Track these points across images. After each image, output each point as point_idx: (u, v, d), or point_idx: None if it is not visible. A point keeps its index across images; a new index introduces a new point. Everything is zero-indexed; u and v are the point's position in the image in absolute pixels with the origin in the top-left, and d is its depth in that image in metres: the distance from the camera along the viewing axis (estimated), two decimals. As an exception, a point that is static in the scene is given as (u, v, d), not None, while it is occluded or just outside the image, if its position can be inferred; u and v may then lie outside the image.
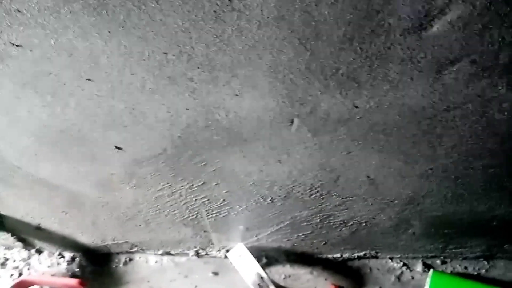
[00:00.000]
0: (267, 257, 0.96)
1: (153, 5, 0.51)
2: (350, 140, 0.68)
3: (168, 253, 1.03)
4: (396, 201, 0.80)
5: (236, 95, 0.62)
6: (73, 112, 0.67)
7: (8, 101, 0.67)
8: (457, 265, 0.94)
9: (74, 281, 0.92)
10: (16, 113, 0.69)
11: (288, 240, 0.94)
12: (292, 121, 0.66)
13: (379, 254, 0.96)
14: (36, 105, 0.66)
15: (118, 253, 1.05)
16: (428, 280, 0.89)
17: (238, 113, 0.65)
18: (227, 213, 0.87)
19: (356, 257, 0.96)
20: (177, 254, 1.03)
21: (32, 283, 0.92)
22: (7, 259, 1.06)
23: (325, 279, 0.95)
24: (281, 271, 0.97)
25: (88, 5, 0.52)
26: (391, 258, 0.96)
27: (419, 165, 0.73)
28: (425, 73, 0.57)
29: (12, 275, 1.03)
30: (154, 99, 0.64)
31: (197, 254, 1.02)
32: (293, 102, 0.63)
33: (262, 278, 0.88)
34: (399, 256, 0.95)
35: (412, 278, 0.93)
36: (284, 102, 0.63)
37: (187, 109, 0.65)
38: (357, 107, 0.63)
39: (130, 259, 1.04)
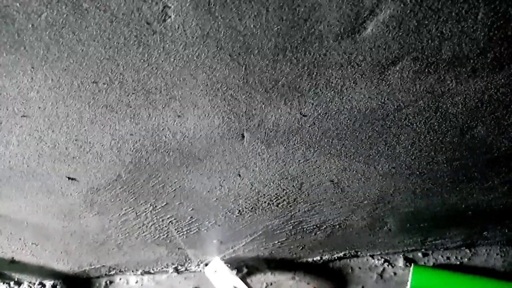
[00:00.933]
0: (247, 267, 0.95)
1: (70, 36, 0.49)
2: (305, 148, 0.66)
3: (148, 272, 1.01)
4: (365, 202, 0.78)
5: (179, 116, 0.60)
6: (17, 149, 0.65)
7: None
8: (439, 256, 0.92)
9: None
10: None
11: (265, 248, 0.92)
12: (242, 135, 0.63)
13: (359, 252, 0.94)
14: (-24, 146, 0.64)
15: (97, 277, 1.04)
16: (410, 275, 0.87)
17: (185, 133, 0.63)
18: (197, 229, 0.85)
19: (336, 258, 0.95)
20: (157, 272, 1.01)
21: None
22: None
23: (308, 283, 0.93)
24: (262, 279, 0.95)
25: (4, 43, 0.49)
26: (371, 256, 0.94)
27: (381, 165, 0.70)
28: (368, 76, 0.55)
29: (-7, 309, 1.01)
30: (96, 128, 0.61)
31: (177, 270, 1.00)
32: (239, 117, 0.60)
33: (239, 291, 0.87)
34: (379, 253, 0.93)
35: (395, 274, 0.91)
36: (230, 118, 0.60)
37: (131, 134, 0.62)
38: (305, 115, 0.61)
39: (111, 282, 1.02)
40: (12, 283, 1.04)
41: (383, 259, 0.93)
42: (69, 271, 1.01)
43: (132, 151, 0.65)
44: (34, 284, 1.05)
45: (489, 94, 0.57)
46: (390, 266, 0.92)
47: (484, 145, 0.67)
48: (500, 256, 0.88)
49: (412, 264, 0.89)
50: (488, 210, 0.82)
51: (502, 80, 0.55)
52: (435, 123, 0.62)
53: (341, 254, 0.94)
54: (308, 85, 0.55)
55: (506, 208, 0.81)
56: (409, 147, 0.66)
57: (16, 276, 1.04)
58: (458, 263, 0.90)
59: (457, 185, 0.75)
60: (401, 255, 0.92)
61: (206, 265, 0.96)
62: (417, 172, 0.72)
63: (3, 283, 1.04)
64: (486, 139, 0.65)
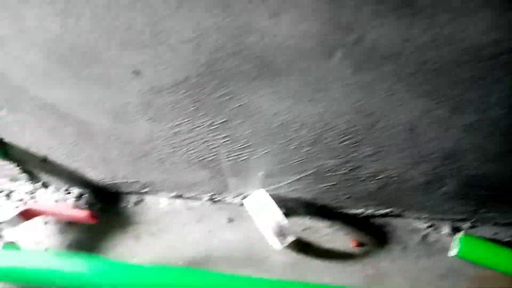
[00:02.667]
0: (286, 208, 0.91)
1: None
2: (396, 79, 0.60)
3: (181, 197, 0.98)
4: (434, 155, 0.73)
5: (274, 15, 0.54)
6: (88, 24, 0.59)
7: (15, 9, 0.60)
8: (487, 231, 0.88)
9: (84, 213, 0.87)
10: (24, 23, 0.62)
11: (309, 191, 0.88)
12: (333, 52, 0.58)
13: (404, 213, 0.90)
14: (47, 13, 0.59)
15: (128, 193, 1.00)
16: (457, 242, 0.84)
17: (274, 38, 0.57)
18: (248, 156, 0.81)
19: (379, 214, 0.91)
20: (191, 198, 0.97)
21: (39, 213, 0.88)
22: (11, 191, 1.02)
23: (345, 234, 0.90)
24: (299, 223, 0.92)
25: None
26: (417, 218, 0.90)
27: (466, 115, 0.65)
28: (498, 1, 0.49)
29: (17, 207, 0.99)
30: (180, 15, 0.56)
31: (212, 199, 0.97)
32: (338, 28, 0.55)
33: (282, 226, 0.83)
34: (425, 217, 0.89)
35: (438, 240, 0.87)
36: (328, 28, 0.55)
37: (216, 28, 0.57)
38: (408, 40, 0.55)
39: (141, 200, 0.99)
40: (39, 184, 1.02)
41: (428, 224, 0.89)
42: (99, 182, 0.98)
43: (211, 50, 0.60)
44: (60, 189, 1.02)
45: None
46: (435, 232, 0.88)
47: None
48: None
49: (462, 232, 0.86)
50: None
51: None
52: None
53: (386, 211, 0.90)
54: (426, 2, 0.50)
55: None
56: (506, 98, 0.61)
57: (44, 177, 1.01)
58: (505, 240, 0.86)
59: (537, 153, 0.70)
60: (447, 223, 0.89)
61: (244, 198, 0.92)
62: (504, 130, 0.66)
63: (30, 182, 1.02)
64: None
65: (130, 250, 0.92)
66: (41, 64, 0.68)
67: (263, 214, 0.85)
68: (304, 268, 0.87)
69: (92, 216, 0.84)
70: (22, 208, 0.86)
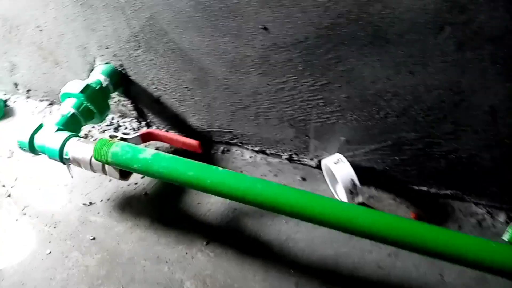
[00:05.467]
0: (356, 176, 1.02)
1: None
2: (490, 62, 0.71)
3: (263, 152, 1.11)
4: (507, 140, 0.82)
5: (401, -13, 0.66)
6: (238, -19, 0.74)
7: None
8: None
9: (194, 142, 1.02)
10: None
11: (383, 162, 0.98)
12: (442, 28, 0.69)
13: (465, 196, 0.98)
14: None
15: (218, 142, 1.14)
16: (509, 229, 0.92)
17: (394, 10, 0.69)
18: (336, 120, 0.93)
19: (442, 194, 1.00)
20: (271, 154, 1.10)
21: (156, 137, 1.03)
22: (120, 126, 1.18)
23: (407, 207, 0.99)
24: (365, 191, 1.03)
25: None
26: (475, 204, 0.99)
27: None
28: None
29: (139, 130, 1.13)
30: (321, -19, 0.69)
31: (290, 158, 1.09)
32: (454, 7, 0.65)
33: (354, 185, 0.94)
34: (484, 203, 0.98)
35: (493, 225, 0.96)
36: (445, 6, 0.66)
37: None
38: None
39: (228, 150, 1.13)
40: (144, 123, 1.17)
41: (486, 210, 0.97)
42: (197, 128, 1.12)
43: (336, 15, 0.73)
44: (161, 130, 1.16)
45: None
46: (491, 218, 0.97)
47: None
48: None
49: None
50: None
51: None
52: None
53: (448, 192, 0.99)
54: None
55: None
56: None
57: (151, 117, 1.16)
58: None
59: None
60: (504, 212, 0.97)
61: (319, 161, 1.04)
62: None
63: (137, 120, 1.17)
64: None
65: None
66: (188, 12, 0.83)
67: (337, 173, 0.96)
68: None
69: (200, 145, 0.99)
70: (144, 130, 1.01)
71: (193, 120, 1.10)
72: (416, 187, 1.01)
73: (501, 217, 0.97)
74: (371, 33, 0.73)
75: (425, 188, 1.01)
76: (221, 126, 1.08)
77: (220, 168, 0.76)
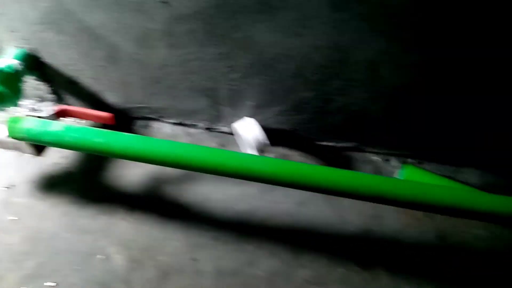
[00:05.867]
0: (269, 139, 1.11)
1: None
2: (362, 19, 0.81)
3: (182, 124, 1.17)
4: (386, 91, 0.94)
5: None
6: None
7: None
8: (431, 167, 1.09)
9: (107, 114, 1.06)
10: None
11: (289, 123, 1.08)
12: (320, -9, 0.79)
13: (362, 147, 1.11)
14: None
15: (137, 118, 1.19)
16: (400, 170, 1.05)
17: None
18: (243, 86, 1.00)
19: (345, 147, 1.12)
20: (190, 125, 1.17)
21: (71, 112, 1.06)
22: (38, 110, 1.19)
23: (315, 163, 1.10)
24: (278, 151, 1.12)
25: None
26: (373, 153, 1.12)
27: (413, 54, 0.86)
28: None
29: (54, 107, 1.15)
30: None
31: (208, 128, 1.16)
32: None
33: (261, 143, 1.03)
34: (380, 151, 1.11)
35: (388, 170, 1.09)
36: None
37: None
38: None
39: (148, 125, 1.18)
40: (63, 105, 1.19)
41: (382, 157, 1.10)
42: (115, 105, 1.16)
43: (227, -15, 0.80)
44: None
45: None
46: (387, 164, 1.10)
47: None
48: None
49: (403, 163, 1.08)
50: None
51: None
52: None
53: (349, 145, 1.11)
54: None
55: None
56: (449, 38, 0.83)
57: (69, 99, 1.18)
58: (446, 175, 1.08)
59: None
60: (395, 157, 1.10)
61: (234, 127, 1.12)
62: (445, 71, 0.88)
63: (55, 104, 1.19)
64: None
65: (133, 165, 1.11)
66: (91, -11, 0.87)
67: (245, 135, 1.04)
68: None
69: (113, 118, 1.04)
70: (58, 107, 1.04)
71: (111, 98, 1.14)
72: (323, 143, 1.12)
73: (396, 163, 1.10)
74: (258, 0, 0.82)
75: (330, 144, 1.12)
76: (137, 101, 1.13)
77: (127, 134, 0.82)
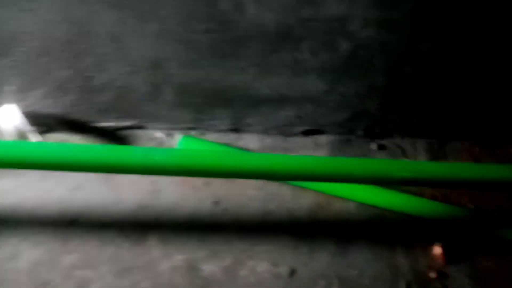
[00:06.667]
0: (43, 125, 1.04)
1: None
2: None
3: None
4: (144, 64, 0.94)
5: None
6: None
7: None
8: (211, 137, 1.12)
9: None
10: None
11: (60, 105, 1.02)
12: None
13: (145, 125, 1.10)
14: None
15: None
16: (179, 141, 1.07)
17: None
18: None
19: (125, 126, 1.10)
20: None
21: None
22: None
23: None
24: (55, 137, 1.06)
25: None
26: (155, 129, 1.11)
27: (152, 25, 0.86)
28: None
29: None
30: None
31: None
32: None
33: (22, 130, 0.96)
34: (161, 127, 1.11)
35: (171, 144, 1.10)
36: None
37: None
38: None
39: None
40: None
41: (166, 133, 1.11)
42: None
43: None
44: None
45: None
46: (169, 138, 1.10)
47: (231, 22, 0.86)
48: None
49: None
50: (246, 95, 1.03)
51: None
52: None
53: (129, 124, 1.09)
54: None
55: (263, 95, 1.03)
56: (172, 9, 0.84)
57: None
58: (226, 143, 1.12)
59: (216, 61, 0.95)
60: (179, 131, 1.11)
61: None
62: (183, 39, 0.90)
63: None
64: (228, 14, 0.85)
65: None
66: None
67: (5, 122, 0.97)
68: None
69: None
70: None
71: None
72: (102, 124, 1.09)
73: (178, 136, 1.11)
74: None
75: (109, 124, 1.09)
76: None
77: None
